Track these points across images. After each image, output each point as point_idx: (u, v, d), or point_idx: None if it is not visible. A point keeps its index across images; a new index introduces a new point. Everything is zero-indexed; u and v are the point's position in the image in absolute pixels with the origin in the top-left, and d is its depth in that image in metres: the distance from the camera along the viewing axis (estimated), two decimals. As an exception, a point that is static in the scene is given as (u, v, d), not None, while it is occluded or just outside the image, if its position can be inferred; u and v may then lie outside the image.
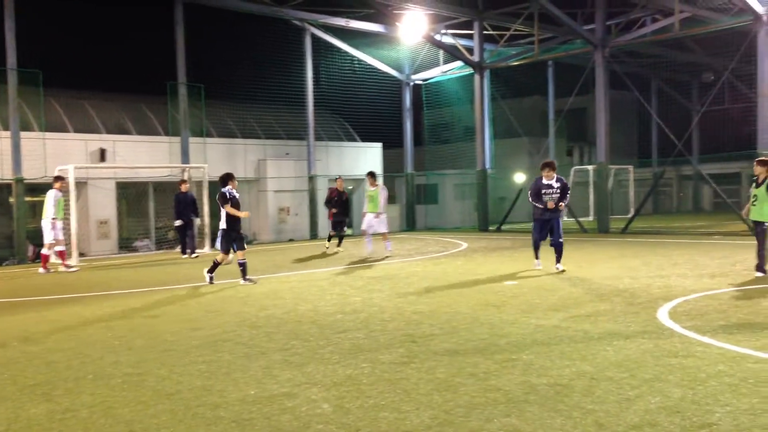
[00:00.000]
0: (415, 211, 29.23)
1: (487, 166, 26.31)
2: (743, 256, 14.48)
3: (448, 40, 27.09)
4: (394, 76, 28.70)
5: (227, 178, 12.33)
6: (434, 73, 29.04)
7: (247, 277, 12.33)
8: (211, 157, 22.34)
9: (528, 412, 4.83)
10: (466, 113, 28.24)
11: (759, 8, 18.99)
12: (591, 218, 28.06)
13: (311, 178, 25.07)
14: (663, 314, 8.21)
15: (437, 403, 5.12)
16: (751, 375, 5.53)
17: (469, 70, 26.81)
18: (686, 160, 33.23)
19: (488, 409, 4.93)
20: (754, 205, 11.23)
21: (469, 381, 5.64)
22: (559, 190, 12.33)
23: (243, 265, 12.30)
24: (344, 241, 19.27)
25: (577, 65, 28.22)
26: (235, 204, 12.14)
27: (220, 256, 12.41)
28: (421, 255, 17.13)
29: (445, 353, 6.64)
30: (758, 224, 11.28)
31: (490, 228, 25.82)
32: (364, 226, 17.28)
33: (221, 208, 12.08)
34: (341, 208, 18.12)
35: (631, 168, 34.54)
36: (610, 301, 9.39)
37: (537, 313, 8.61)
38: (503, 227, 25.83)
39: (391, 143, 28.88)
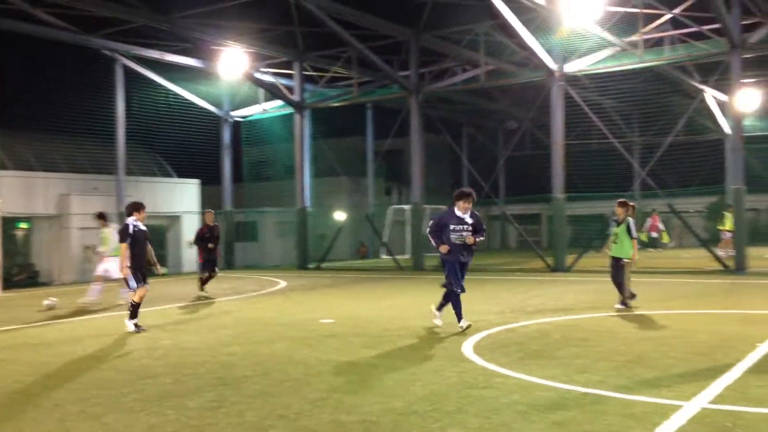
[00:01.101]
0: (233, 248, 28.65)
1: (307, 204, 26.49)
2: (541, 291, 15.68)
3: (268, 78, 27.15)
4: (212, 112, 28.20)
5: (133, 209, 10.99)
6: (254, 111, 28.91)
7: (135, 321, 10.78)
8: (5, 191, 20.49)
9: (336, 452, 4.85)
10: (286, 151, 28.33)
11: (552, 65, 20.98)
12: (408, 256, 29.05)
13: (121, 215, 23.75)
14: (468, 348, 8.64)
15: (245, 448, 4.99)
16: (541, 402, 5.95)
17: (289, 109, 27.00)
18: (494, 202, 35.59)
19: (297, 450, 4.90)
20: (615, 243, 12.19)
21: (280, 423, 5.57)
22: (471, 227, 9.96)
23: (136, 307, 10.85)
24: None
25: (395, 108, 29.43)
26: (139, 237, 10.77)
27: (136, 296, 10.75)
28: (237, 294, 16.77)
29: (257, 395, 6.51)
30: (617, 260, 12.18)
31: (310, 266, 25.90)
32: (99, 271, 15.07)
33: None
34: (213, 246, 16.06)
35: (445, 208, 36.31)
36: (421, 336, 9.73)
37: (352, 351, 8.71)
38: (323, 265, 26.01)
39: (210, 180, 28.24)
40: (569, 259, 21.69)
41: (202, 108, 27.58)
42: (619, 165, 27.78)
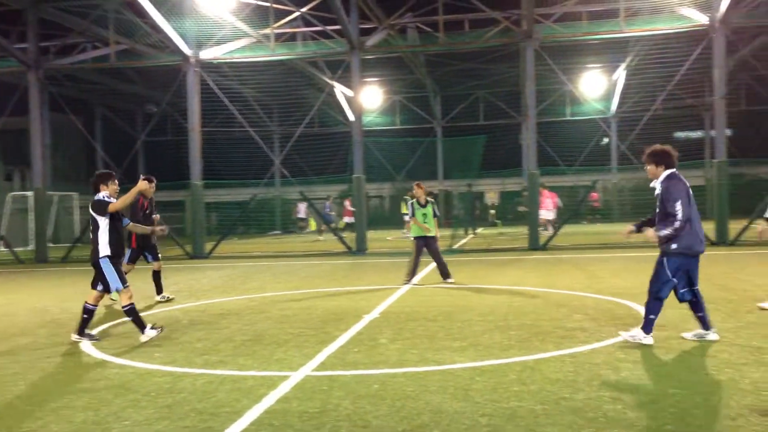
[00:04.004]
0: None
1: None
2: (178, 278, 15.53)
3: None
4: None
5: (101, 180, 8.21)
6: None
7: (87, 331, 8.22)
8: None
9: None
10: None
11: (187, 50, 20.79)
12: (30, 247, 26.38)
13: None
14: (86, 342, 8.15)
15: None
16: (154, 388, 5.90)
17: None
18: (129, 188, 34.13)
19: None
20: (425, 223, 12.66)
21: None
22: None
23: (132, 312, 8.09)
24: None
25: (13, 84, 26.38)
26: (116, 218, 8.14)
27: (125, 296, 8.00)
28: None
29: None
30: (429, 239, 12.65)
31: None
32: None
33: (98, 225, 7.96)
34: (148, 225, 11.33)
35: (75, 195, 33.76)
36: (33, 333, 8.93)
37: (-57, 356, 7.63)
38: None
39: None
40: (209, 245, 21.85)
41: None
42: (262, 153, 28.76)
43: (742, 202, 23.22)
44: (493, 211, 37.72)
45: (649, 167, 7.21)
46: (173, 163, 34.14)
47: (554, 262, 16.56)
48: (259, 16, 21.57)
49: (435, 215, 12.79)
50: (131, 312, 8.05)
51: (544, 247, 20.14)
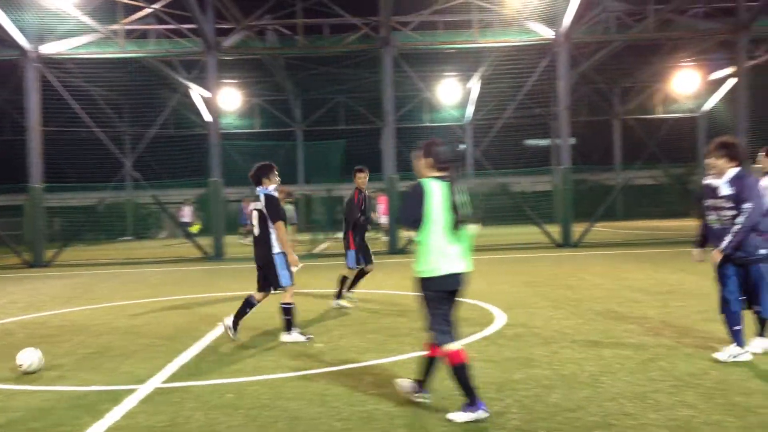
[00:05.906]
0: None
1: None
2: (13, 288, 14.39)
3: None
4: None
5: (264, 172, 7.74)
6: None
7: (296, 328, 7.90)
8: None
9: None
10: None
11: (25, 44, 19.34)
12: None
13: None
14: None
15: None
16: (-18, 410, 5.39)
17: None
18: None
19: None
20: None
21: None
22: None
23: (290, 311, 7.80)
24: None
25: None
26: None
27: (289, 294, 7.79)
28: None
29: None
30: None
31: None
32: None
33: (270, 222, 7.62)
34: (364, 223, 10.38)
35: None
36: None
37: None
38: None
39: None
40: (51, 252, 20.43)
41: None
42: (112, 155, 27.34)
43: (585, 206, 24.96)
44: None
45: (718, 161, 6.14)
46: (11, 164, 31.68)
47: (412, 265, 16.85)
48: (107, 11, 20.43)
49: (292, 222, 12.66)
50: (289, 311, 7.77)
51: (402, 251, 20.50)
